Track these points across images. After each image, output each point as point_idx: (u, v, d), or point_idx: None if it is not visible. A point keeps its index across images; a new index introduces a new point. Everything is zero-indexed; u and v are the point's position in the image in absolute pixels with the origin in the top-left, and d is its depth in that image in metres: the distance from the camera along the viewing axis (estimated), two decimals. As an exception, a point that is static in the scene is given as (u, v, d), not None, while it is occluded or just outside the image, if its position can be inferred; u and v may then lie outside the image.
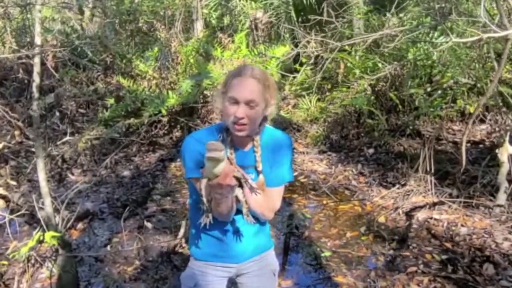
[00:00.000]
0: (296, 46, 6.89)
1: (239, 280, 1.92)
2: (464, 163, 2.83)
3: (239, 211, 1.71)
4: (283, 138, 1.83)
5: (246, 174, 1.65)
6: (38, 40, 3.27)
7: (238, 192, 1.62)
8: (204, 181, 1.54)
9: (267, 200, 1.74)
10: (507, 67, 6.26)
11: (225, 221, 1.74)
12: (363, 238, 3.74)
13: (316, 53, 4.23)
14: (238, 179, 1.57)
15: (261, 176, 1.73)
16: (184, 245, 3.60)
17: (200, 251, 1.85)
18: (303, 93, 7.05)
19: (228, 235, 1.80)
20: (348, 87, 6.10)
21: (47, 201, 3.03)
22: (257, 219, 1.75)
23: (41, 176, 3.05)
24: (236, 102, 1.61)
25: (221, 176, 1.48)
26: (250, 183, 1.62)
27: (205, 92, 6.34)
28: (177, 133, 6.50)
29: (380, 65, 5.83)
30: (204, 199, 1.58)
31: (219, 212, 1.63)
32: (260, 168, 1.73)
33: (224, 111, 1.67)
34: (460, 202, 3.98)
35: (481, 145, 5.39)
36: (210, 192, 1.57)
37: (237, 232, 1.79)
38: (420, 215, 3.93)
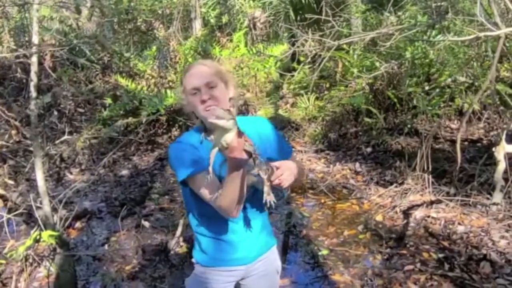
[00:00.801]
0: (294, 45, 6.90)
1: (243, 282, 1.85)
2: (459, 160, 2.84)
3: (243, 209, 1.68)
4: (260, 120, 1.88)
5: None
6: (35, 39, 3.27)
7: (261, 167, 1.48)
8: (214, 151, 1.45)
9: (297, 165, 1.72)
10: (505, 65, 6.27)
11: (230, 214, 1.59)
12: (360, 236, 3.75)
13: (313, 52, 4.23)
14: (249, 154, 1.43)
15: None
16: (182, 243, 3.61)
17: (206, 256, 1.79)
18: (301, 92, 7.06)
19: (234, 235, 1.75)
20: (346, 86, 6.10)
21: (45, 200, 3.04)
22: (262, 209, 1.76)
23: (39, 175, 3.06)
24: (196, 90, 1.65)
25: (229, 149, 1.39)
26: (258, 160, 1.49)
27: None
28: (175, 132, 6.50)
29: (378, 64, 5.84)
30: (210, 168, 1.47)
31: (225, 196, 1.50)
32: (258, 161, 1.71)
33: (192, 106, 1.69)
34: (457, 200, 3.99)
35: (478, 144, 5.39)
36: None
37: (242, 231, 1.75)
38: (418, 214, 3.94)
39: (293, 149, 1.90)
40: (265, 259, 1.85)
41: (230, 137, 1.36)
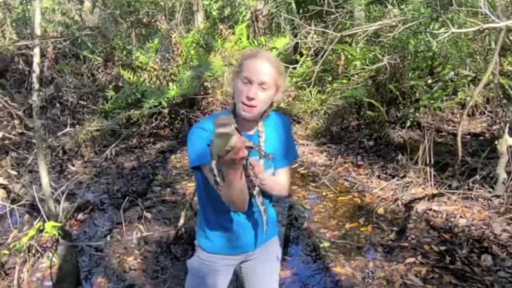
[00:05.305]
0: (296, 37, 6.87)
1: (244, 265, 1.93)
2: (460, 153, 2.83)
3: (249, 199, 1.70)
4: (283, 119, 1.85)
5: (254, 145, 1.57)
6: (37, 31, 3.27)
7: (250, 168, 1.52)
8: (214, 161, 1.42)
9: (277, 180, 1.80)
10: (508, 59, 6.23)
11: (239, 208, 1.61)
12: (362, 229, 3.76)
13: (316, 44, 4.21)
14: (251, 147, 1.46)
15: (262, 161, 1.73)
16: (184, 235, 3.62)
17: (210, 243, 1.84)
18: (304, 85, 7.03)
19: (239, 225, 1.79)
20: (349, 79, 6.08)
21: (48, 192, 3.06)
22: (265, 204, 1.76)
23: (42, 167, 3.07)
24: (249, 82, 1.62)
25: (235, 150, 1.33)
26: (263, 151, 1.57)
27: (205, 83, 6.34)
28: (177, 125, 6.50)
29: (380, 56, 5.81)
30: (218, 179, 1.46)
31: (231, 195, 1.50)
32: (263, 153, 1.70)
33: (235, 90, 1.66)
34: (459, 193, 3.99)
35: (481, 137, 5.38)
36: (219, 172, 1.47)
37: (247, 221, 1.79)
38: (419, 207, 3.94)
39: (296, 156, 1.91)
40: (265, 246, 1.91)
41: (234, 141, 1.32)
